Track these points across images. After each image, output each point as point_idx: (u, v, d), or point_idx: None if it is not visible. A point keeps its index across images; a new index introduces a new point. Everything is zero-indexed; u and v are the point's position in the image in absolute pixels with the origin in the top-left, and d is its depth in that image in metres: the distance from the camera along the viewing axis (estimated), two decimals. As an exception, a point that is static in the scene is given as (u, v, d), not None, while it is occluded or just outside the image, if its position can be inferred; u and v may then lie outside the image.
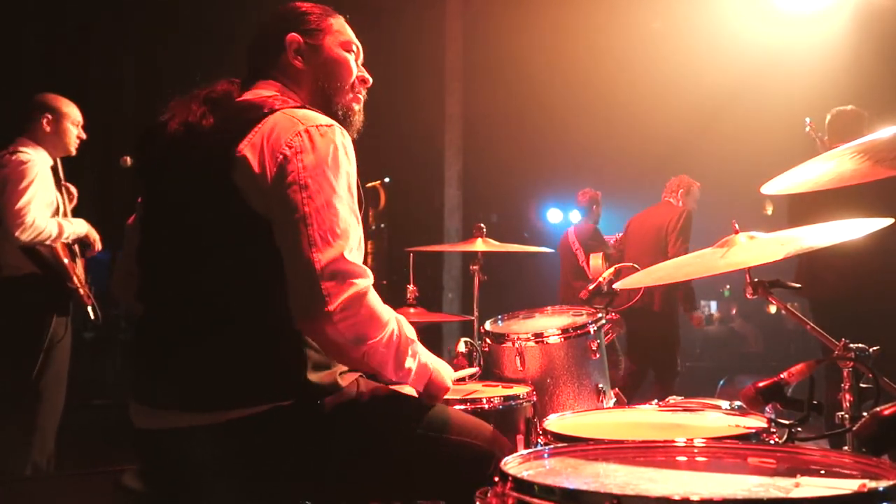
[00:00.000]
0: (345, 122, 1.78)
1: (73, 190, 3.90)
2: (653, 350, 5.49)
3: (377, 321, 1.52)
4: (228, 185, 1.52)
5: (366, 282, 1.51)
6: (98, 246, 3.83)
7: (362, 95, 1.85)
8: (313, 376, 1.55)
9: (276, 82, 1.74)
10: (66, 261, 3.62)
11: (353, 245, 1.51)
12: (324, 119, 1.60)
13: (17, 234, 3.38)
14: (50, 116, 3.66)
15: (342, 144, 1.57)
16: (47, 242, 3.52)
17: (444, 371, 1.74)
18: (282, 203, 1.50)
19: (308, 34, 1.78)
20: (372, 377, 1.69)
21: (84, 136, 3.78)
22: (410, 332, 1.64)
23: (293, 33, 1.77)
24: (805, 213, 3.40)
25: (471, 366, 2.47)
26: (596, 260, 5.83)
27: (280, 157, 1.52)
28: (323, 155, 1.53)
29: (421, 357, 1.66)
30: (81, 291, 3.69)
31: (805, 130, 4.18)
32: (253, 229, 1.54)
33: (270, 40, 1.78)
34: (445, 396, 2.12)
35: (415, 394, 1.74)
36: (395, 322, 1.58)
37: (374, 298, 1.52)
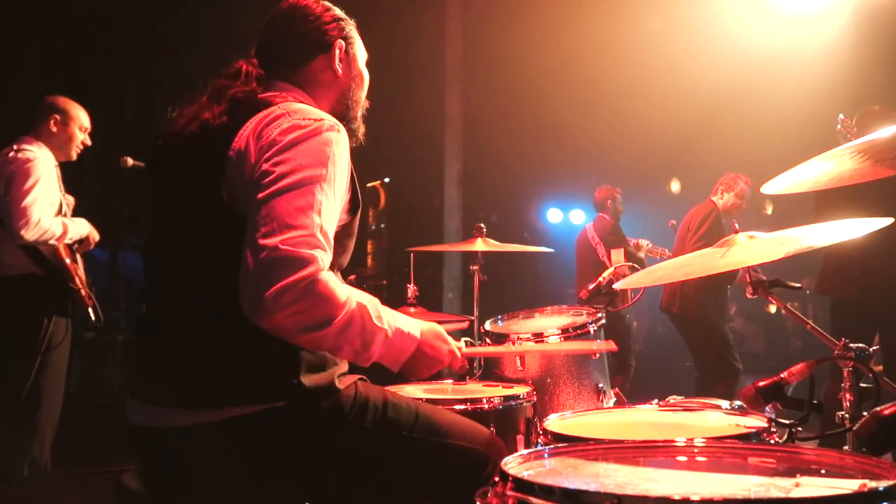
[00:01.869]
0: (356, 131, 1.84)
1: (71, 203, 3.88)
2: (695, 352, 5.46)
3: (319, 309, 1.42)
4: (216, 189, 1.52)
5: (310, 267, 1.41)
6: (92, 245, 3.81)
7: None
8: (307, 379, 1.54)
9: (298, 88, 1.72)
10: (67, 261, 3.60)
11: (302, 234, 1.43)
12: (318, 114, 1.59)
13: (21, 232, 3.36)
14: (58, 118, 3.66)
15: (329, 137, 1.54)
16: (51, 242, 3.50)
17: (435, 342, 1.65)
18: (252, 189, 1.48)
19: (347, 42, 1.81)
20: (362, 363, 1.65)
21: (89, 142, 3.78)
22: (375, 311, 1.53)
23: (340, 40, 1.78)
24: (833, 206, 3.35)
25: (471, 366, 2.47)
26: (618, 255, 5.79)
27: (260, 145, 1.52)
28: (298, 143, 1.50)
29: (385, 340, 1.55)
30: (83, 292, 3.68)
31: (836, 128, 4.12)
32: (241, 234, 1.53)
33: (304, 40, 1.76)
34: (446, 397, 2.12)
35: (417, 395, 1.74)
36: (350, 308, 1.47)
37: (321, 283, 1.42)
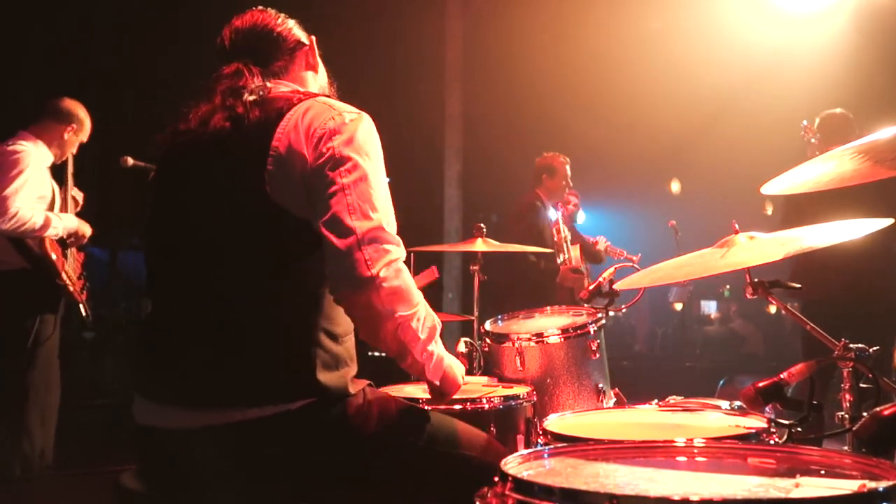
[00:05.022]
0: None
1: (80, 198, 3.88)
2: None
3: (411, 294, 1.56)
4: (257, 183, 1.53)
5: (401, 251, 1.55)
6: (84, 240, 3.80)
7: None
8: (323, 378, 1.55)
9: (295, 84, 1.78)
10: (53, 256, 3.57)
11: (390, 219, 1.56)
12: (353, 108, 1.66)
13: None
14: (75, 127, 3.71)
15: (372, 129, 1.63)
16: (32, 234, 3.47)
17: (457, 369, 1.76)
18: (320, 179, 1.54)
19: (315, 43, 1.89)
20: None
21: (75, 152, 3.81)
22: (436, 318, 1.68)
23: (312, 37, 1.86)
24: (800, 214, 3.40)
25: (471, 366, 2.47)
26: (574, 251, 5.85)
27: (315, 139, 1.56)
28: (355, 136, 1.58)
29: (440, 346, 1.68)
30: (71, 288, 3.65)
31: (800, 134, 4.20)
32: (273, 229, 1.55)
33: (283, 39, 1.80)
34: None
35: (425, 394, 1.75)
36: (424, 303, 1.62)
37: (407, 272, 1.57)
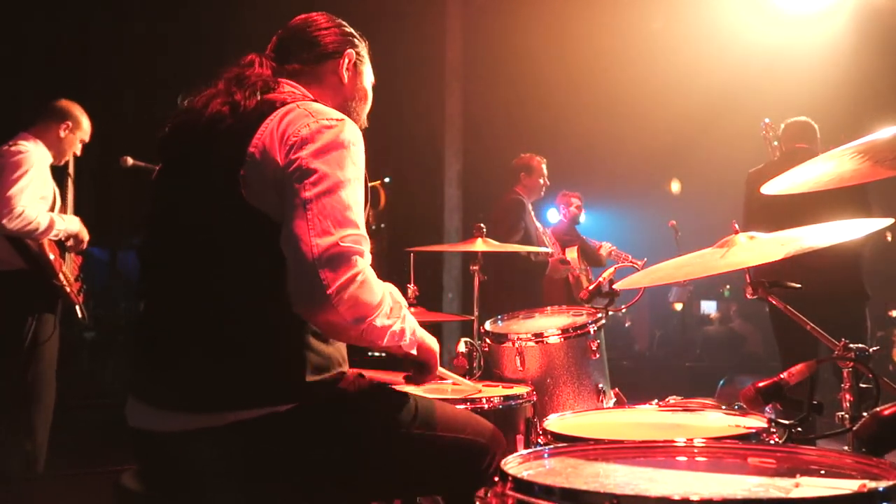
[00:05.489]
0: None
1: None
2: None
3: (372, 298, 1.50)
4: (237, 183, 1.52)
5: (362, 262, 1.50)
6: (84, 244, 3.80)
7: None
8: (313, 379, 1.55)
9: (306, 86, 1.76)
10: (51, 256, 3.57)
11: (355, 233, 1.50)
12: (335, 113, 1.62)
13: (3, 221, 3.34)
14: (70, 124, 3.70)
15: (351, 138, 1.58)
16: (35, 235, 3.48)
17: (429, 339, 1.72)
18: (288, 189, 1.51)
19: (358, 57, 1.87)
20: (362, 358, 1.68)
21: (79, 153, 3.82)
22: (400, 299, 1.63)
23: (351, 51, 1.84)
24: (765, 217, 3.40)
25: (471, 366, 2.48)
26: (571, 253, 5.86)
27: (287, 146, 1.53)
28: (327, 145, 1.54)
29: (408, 322, 1.64)
30: (68, 289, 3.66)
31: (761, 133, 4.28)
32: (259, 230, 1.54)
33: (317, 42, 1.81)
34: (446, 396, 2.12)
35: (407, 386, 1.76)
36: (387, 295, 1.57)
37: (370, 276, 1.51)
